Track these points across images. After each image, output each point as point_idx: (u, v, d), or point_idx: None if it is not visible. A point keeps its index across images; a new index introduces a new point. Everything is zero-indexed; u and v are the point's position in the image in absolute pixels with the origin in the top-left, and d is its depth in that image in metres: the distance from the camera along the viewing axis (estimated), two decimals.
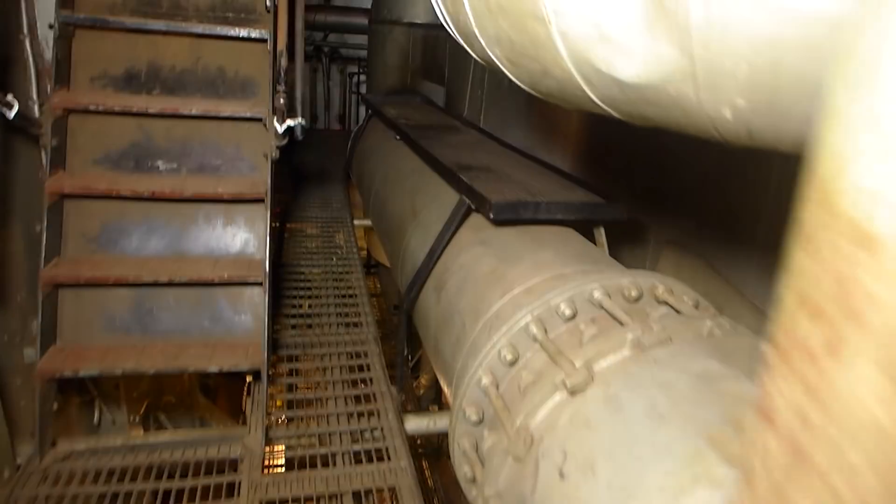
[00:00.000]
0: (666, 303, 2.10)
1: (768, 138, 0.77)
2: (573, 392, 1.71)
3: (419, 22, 7.16)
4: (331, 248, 5.28)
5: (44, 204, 2.52)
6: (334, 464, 2.61)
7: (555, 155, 4.66)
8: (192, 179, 2.77)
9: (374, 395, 3.19)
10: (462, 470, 2.04)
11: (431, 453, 6.96)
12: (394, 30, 7.22)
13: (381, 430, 2.82)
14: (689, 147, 2.76)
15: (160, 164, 2.83)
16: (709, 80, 0.72)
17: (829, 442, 0.42)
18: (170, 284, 2.61)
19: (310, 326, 3.78)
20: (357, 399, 3.15)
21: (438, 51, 6.78)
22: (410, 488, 2.47)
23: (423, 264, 2.97)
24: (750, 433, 0.54)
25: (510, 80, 4.38)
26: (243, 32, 2.73)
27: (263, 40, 2.74)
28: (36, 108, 2.64)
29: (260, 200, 2.69)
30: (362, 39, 9.50)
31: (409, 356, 7.28)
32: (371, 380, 3.31)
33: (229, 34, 2.72)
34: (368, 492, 2.48)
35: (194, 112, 2.65)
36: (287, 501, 2.34)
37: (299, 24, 2.61)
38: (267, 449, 2.60)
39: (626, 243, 3.46)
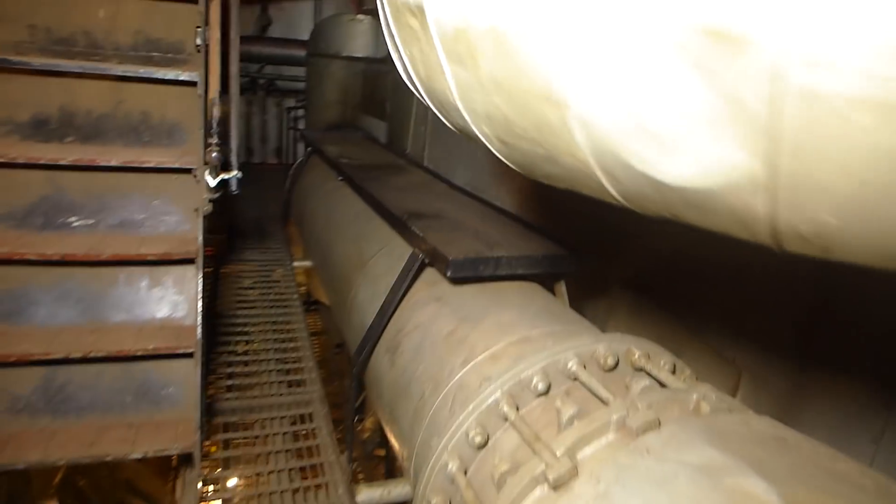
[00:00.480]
0: (643, 370, 1.95)
1: (849, 255, 0.61)
2: (557, 486, 1.52)
3: (359, 56, 7.00)
4: (270, 295, 4.95)
5: None
6: None
7: (502, 191, 4.54)
8: (112, 238, 2.46)
9: (321, 465, 2.91)
10: None
11: None
12: (332, 63, 7.02)
13: None
14: None
15: (74, 220, 2.52)
16: (793, 194, 0.54)
17: None
18: (86, 360, 2.28)
19: (248, 387, 3.47)
20: (303, 472, 2.86)
21: (379, 85, 6.62)
22: None
23: (375, 323, 2.74)
24: None
25: None
26: (170, 74, 2.47)
27: (193, 83, 2.48)
28: None
29: (190, 261, 2.40)
30: (299, 71, 9.27)
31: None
32: (318, 448, 3.02)
33: (154, 76, 2.45)
34: None
35: (114, 163, 2.36)
36: None
37: (234, 67, 2.37)
38: None
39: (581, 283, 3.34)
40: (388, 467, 5.53)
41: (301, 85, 9.11)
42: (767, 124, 0.51)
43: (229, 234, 5.96)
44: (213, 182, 2.18)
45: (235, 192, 2.38)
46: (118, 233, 2.53)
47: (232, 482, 2.74)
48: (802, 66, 0.48)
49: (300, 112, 7.66)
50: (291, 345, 3.97)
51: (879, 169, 0.49)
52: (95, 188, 2.54)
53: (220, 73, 2.19)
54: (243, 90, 8.83)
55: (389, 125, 6.35)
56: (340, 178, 4.42)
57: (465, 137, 1.00)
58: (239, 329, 4.17)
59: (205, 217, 2.43)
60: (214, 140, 2.19)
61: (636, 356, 1.97)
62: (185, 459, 2.41)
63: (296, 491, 2.70)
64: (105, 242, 2.41)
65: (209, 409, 2.98)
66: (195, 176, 2.46)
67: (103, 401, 2.42)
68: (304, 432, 3.11)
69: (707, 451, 1.47)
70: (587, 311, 3.07)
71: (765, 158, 0.54)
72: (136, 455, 2.22)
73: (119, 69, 2.42)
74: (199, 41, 2.61)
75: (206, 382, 2.64)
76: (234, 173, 2.30)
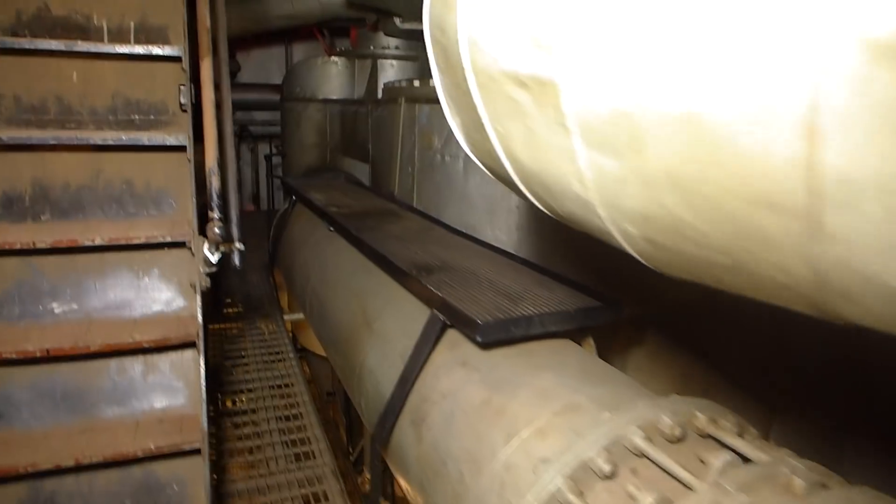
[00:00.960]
0: (712, 437, 1.76)
1: None
2: None
3: (335, 98, 6.83)
4: (263, 355, 4.69)
5: None
6: None
7: (498, 231, 4.37)
8: (100, 324, 2.21)
9: None
10: None
11: None
12: (309, 107, 6.84)
13: None
14: None
15: (55, 306, 2.26)
16: None
17: None
18: (78, 469, 2.01)
19: (252, 465, 3.19)
20: None
21: (359, 126, 6.45)
22: None
23: (396, 393, 2.51)
24: None
25: (444, 157, 4.03)
26: (156, 139, 2.25)
27: (181, 148, 2.26)
28: None
29: (190, 344, 2.16)
30: (271, 115, 9.08)
31: (351, 448, 6.64)
32: None
33: (137, 143, 2.23)
34: None
35: (98, 242, 2.12)
36: None
37: (228, 127, 2.16)
38: None
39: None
40: None
41: (274, 129, 8.92)
42: None
43: (212, 286, 5.66)
44: (214, 258, 1.96)
45: (239, 268, 2.15)
46: (106, 317, 2.28)
47: None
48: None
49: (276, 159, 7.45)
50: (293, 412, 3.70)
51: None
52: (77, 268, 2.30)
53: (216, 137, 1.98)
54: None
55: (373, 167, 6.16)
56: (331, 228, 4.20)
57: (573, 226, 0.81)
58: (235, 390, 3.92)
59: (204, 294, 2.20)
60: (216, 214, 1.97)
61: (701, 421, 1.78)
62: None
63: None
64: (93, 331, 2.16)
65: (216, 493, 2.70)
66: (189, 248, 2.23)
67: None
68: None
69: None
70: (601, 353, 2.89)
71: None
72: None
73: (97, 137, 2.20)
74: (183, 100, 2.41)
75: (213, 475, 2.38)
76: (238, 246, 2.07)
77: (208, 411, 2.22)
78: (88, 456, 2.00)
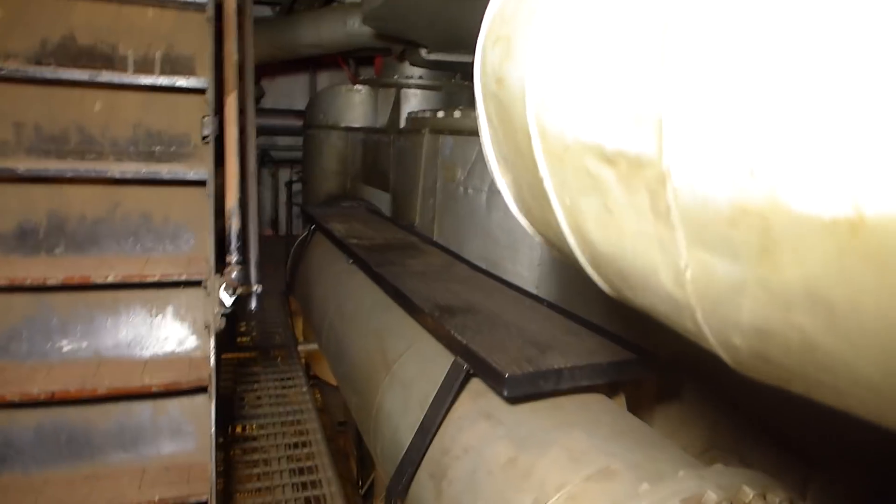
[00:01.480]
0: None
1: None
2: None
3: (357, 126, 6.80)
4: (275, 386, 4.58)
5: None
6: None
7: (519, 266, 4.25)
8: (109, 365, 2.11)
9: None
10: None
11: None
12: (331, 134, 6.82)
13: None
14: None
15: (64, 343, 2.17)
16: None
17: None
18: None
19: (259, 493, 3.08)
20: None
21: (381, 156, 6.40)
22: None
23: (415, 443, 2.38)
24: None
25: (466, 190, 3.91)
26: (177, 173, 2.18)
27: (202, 182, 2.18)
28: None
29: (202, 389, 2.05)
30: (293, 141, 9.10)
31: (361, 481, 6.46)
32: None
33: (157, 177, 2.15)
34: None
35: (111, 280, 2.03)
36: None
37: (251, 164, 2.07)
38: None
39: None
40: None
41: (295, 154, 8.93)
42: None
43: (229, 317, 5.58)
44: (229, 301, 1.86)
45: (255, 311, 2.05)
46: (117, 356, 2.18)
47: None
48: None
49: (297, 186, 7.42)
50: (308, 464, 3.56)
51: None
52: (90, 303, 2.21)
53: (238, 175, 1.89)
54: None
55: (394, 197, 6.09)
56: (351, 261, 4.10)
57: (651, 315, 0.69)
58: (246, 416, 3.82)
59: (217, 336, 2.09)
60: (234, 258, 1.87)
61: (750, 498, 1.63)
62: None
63: None
64: (101, 371, 2.06)
65: None
66: (205, 288, 2.13)
67: None
68: None
69: None
70: (629, 401, 2.73)
71: None
72: None
73: (117, 171, 2.13)
74: (205, 132, 2.34)
75: None
76: (255, 289, 1.97)
77: (217, 442, 2.11)
78: (90, 502, 1.88)
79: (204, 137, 2.39)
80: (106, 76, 2.22)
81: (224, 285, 1.84)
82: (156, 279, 2.07)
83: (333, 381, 5.03)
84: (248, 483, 3.18)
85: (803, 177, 0.41)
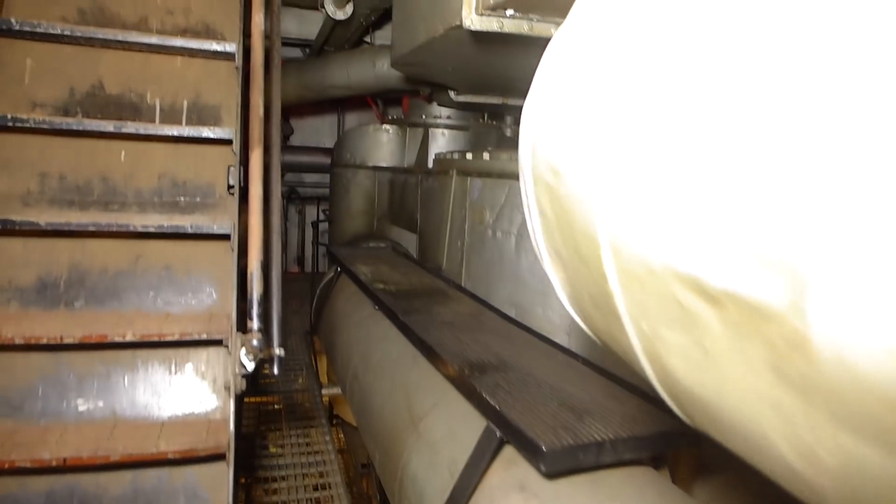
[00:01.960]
0: None
1: None
2: None
3: (384, 165, 6.77)
4: (297, 427, 4.47)
5: None
6: None
7: (550, 312, 4.10)
8: (124, 428, 2.02)
9: None
10: None
11: None
12: (359, 173, 6.79)
13: None
14: None
15: (80, 402, 2.09)
16: None
17: None
18: None
19: None
20: None
21: (408, 196, 6.34)
22: None
23: None
24: None
25: (495, 233, 3.78)
26: (201, 225, 2.10)
27: (225, 236, 2.11)
28: None
29: (220, 457, 1.94)
30: (320, 177, 9.13)
31: None
32: None
33: (180, 230, 2.08)
34: None
35: (129, 338, 1.95)
36: None
37: (276, 219, 1.99)
38: None
39: None
40: None
41: (322, 191, 8.94)
42: None
43: None
44: (250, 366, 1.75)
45: (277, 375, 1.95)
46: (133, 417, 2.09)
47: None
48: None
49: (323, 226, 7.40)
50: (323, 480, 3.45)
51: None
52: (107, 361, 2.13)
53: (261, 234, 1.81)
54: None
55: (420, 238, 6.01)
56: (377, 307, 4.00)
57: (747, 459, 0.56)
58: (265, 455, 3.72)
59: (239, 398, 1.99)
60: (255, 325, 1.77)
61: None
62: None
63: None
64: (115, 435, 1.96)
65: None
66: (226, 346, 2.04)
67: None
68: None
69: None
70: (672, 470, 2.55)
71: None
72: None
73: (139, 224, 2.06)
74: (231, 181, 2.28)
75: None
76: (277, 352, 1.87)
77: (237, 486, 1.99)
78: None
79: (229, 187, 2.32)
80: (132, 127, 2.18)
81: (244, 350, 1.74)
82: (175, 338, 1.98)
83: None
84: None
85: None
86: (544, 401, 2.32)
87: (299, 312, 6.77)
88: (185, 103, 2.43)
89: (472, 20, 2.28)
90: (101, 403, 2.10)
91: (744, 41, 0.44)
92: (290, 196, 9.23)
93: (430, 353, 2.93)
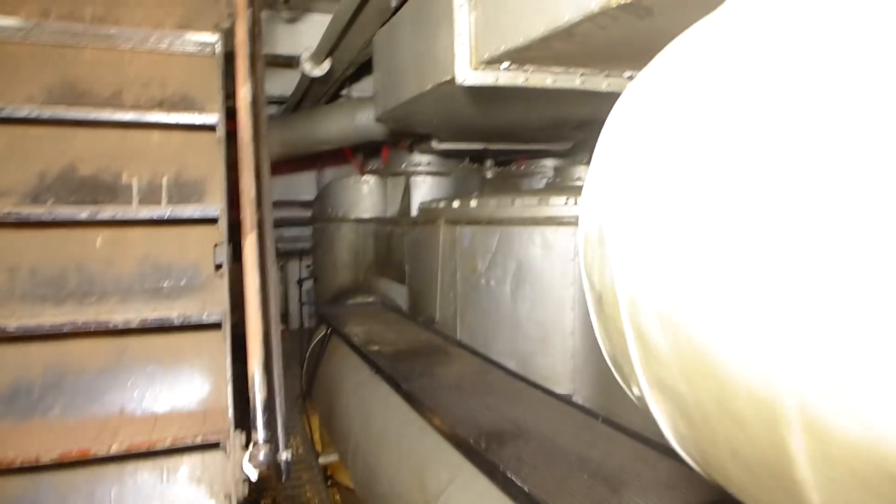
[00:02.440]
0: None
1: None
2: None
3: (367, 216, 6.63)
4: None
5: None
6: None
7: (552, 359, 3.94)
8: None
9: None
10: None
11: None
12: (342, 226, 6.64)
13: None
14: None
15: None
16: None
17: None
18: None
19: None
20: None
21: (394, 247, 6.19)
22: None
23: None
24: None
25: (489, 282, 3.62)
26: (191, 314, 1.92)
27: (216, 325, 1.93)
28: None
29: None
30: (299, 231, 8.96)
31: None
32: None
33: (166, 323, 1.90)
34: None
35: (114, 451, 1.74)
36: None
37: (273, 311, 1.81)
38: None
39: None
40: None
41: (303, 245, 8.76)
42: None
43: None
44: (254, 476, 1.56)
45: (284, 481, 1.75)
46: None
47: None
48: None
49: (308, 283, 7.21)
50: None
51: None
52: (89, 477, 1.91)
53: (262, 337, 1.62)
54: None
55: (411, 290, 5.83)
56: (375, 371, 3.80)
57: None
58: None
59: None
60: (261, 436, 1.58)
61: None
62: None
63: None
64: None
65: None
66: (224, 449, 1.83)
67: None
68: None
69: None
70: None
71: None
72: None
73: (121, 320, 1.87)
74: (218, 260, 2.10)
75: None
76: (284, 457, 1.68)
77: None
78: None
79: (217, 266, 2.15)
80: (108, 212, 2.01)
81: (248, 457, 1.54)
82: (167, 445, 1.77)
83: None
84: None
85: None
86: (571, 473, 2.14)
87: (288, 373, 6.50)
88: (166, 180, 2.26)
89: (466, 75, 2.17)
90: None
91: None
92: None
93: (441, 423, 2.74)
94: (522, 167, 6.53)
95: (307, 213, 7.98)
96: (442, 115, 3.82)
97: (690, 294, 0.49)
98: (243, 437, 1.80)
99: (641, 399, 0.72)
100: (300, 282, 6.83)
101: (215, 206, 2.10)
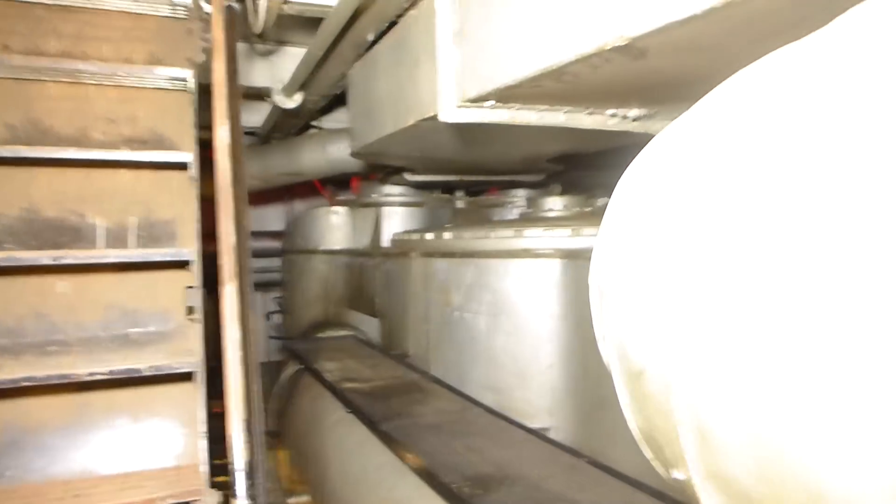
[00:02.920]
0: None
1: None
2: None
3: (338, 248, 6.52)
4: None
5: None
6: None
7: (529, 393, 3.88)
8: None
9: None
10: None
11: None
12: (312, 258, 6.51)
13: None
14: None
15: None
16: None
17: None
18: None
19: None
20: None
21: (366, 279, 6.08)
22: None
23: None
24: None
25: (463, 315, 3.56)
26: (162, 365, 1.81)
27: (187, 375, 1.81)
28: None
29: None
30: (266, 262, 8.77)
31: None
32: None
33: (134, 374, 1.78)
34: None
35: None
36: None
37: (254, 369, 1.69)
38: None
39: None
40: None
41: (271, 276, 8.56)
42: None
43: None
44: None
45: None
46: None
47: None
48: None
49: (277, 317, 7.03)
50: None
51: None
52: None
53: (243, 389, 1.52)
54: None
55: (383, 323, 5.72)
56: (349, 411, 3.67)
57: None
58: None
59: None
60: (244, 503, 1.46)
61: None
62: None
63: None
64: None
65: None
66: None
67: None
68: None
69: None
70: None
71: None
72: None
73: (84, 372, 1.75)
74: (190, 303, 2.00)
75: None
76: None
77: None
78: None
79: (189, 311, 2.04)
80: (71, 257, 1.89)
81: None
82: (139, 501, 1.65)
83: None
84: None
85: None
86: None
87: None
88: (133, 221, 2.15)
89: (450, 113, 2.13)
90: None
91: None
92: None
93: (422, 467, 2.64)
94: (494, 197, 6.52)
95: (276, 244, 7.81)
96: (421, 149, 3.78)
97: (787, 414, 0.43)
98: (219, 496, 1.69)
99: (684, 483, 0.65)
100: (268, 315, 6.66)
101: (188, 248, 2.00)
